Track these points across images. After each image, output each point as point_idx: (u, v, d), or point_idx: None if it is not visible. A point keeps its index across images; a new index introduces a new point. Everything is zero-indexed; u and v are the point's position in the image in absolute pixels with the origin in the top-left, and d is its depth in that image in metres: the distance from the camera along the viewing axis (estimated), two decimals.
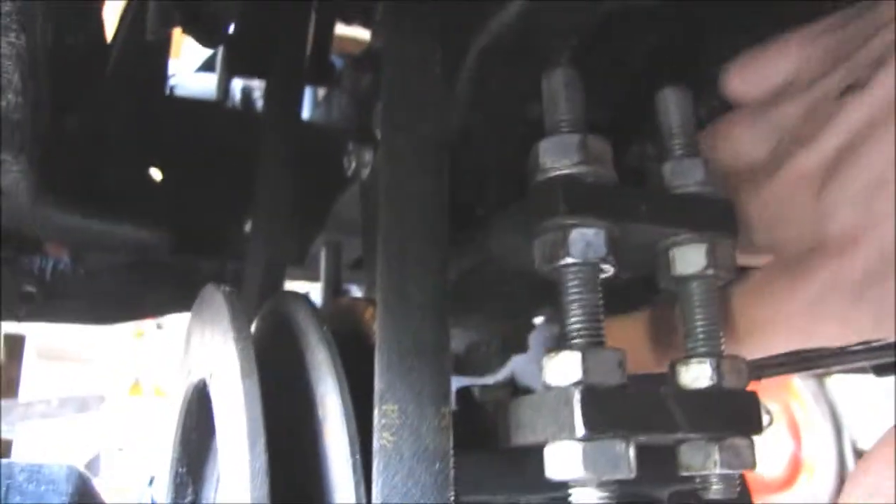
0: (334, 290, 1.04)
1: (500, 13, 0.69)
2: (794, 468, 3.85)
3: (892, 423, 0.56)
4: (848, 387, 3.65)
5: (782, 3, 0.81)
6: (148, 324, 5.04)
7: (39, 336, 5.19)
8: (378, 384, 0.53)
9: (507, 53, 0.75)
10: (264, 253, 1.01)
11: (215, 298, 0.67)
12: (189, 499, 0.86)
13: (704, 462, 0.57)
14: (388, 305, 0.55)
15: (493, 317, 0.84)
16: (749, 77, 0.68)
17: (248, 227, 1.25)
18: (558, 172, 0.57)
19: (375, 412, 0.53)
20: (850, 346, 0.71)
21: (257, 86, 1.57)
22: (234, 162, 1.25)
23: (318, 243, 1.19)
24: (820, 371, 1.29)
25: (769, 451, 3.75)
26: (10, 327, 5.01)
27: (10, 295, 1.07)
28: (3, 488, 0.62)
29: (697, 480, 0.60)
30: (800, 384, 3.71)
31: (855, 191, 0.56)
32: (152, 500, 1.78)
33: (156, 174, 1.21)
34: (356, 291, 1.46)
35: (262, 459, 0.51)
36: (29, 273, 1.09)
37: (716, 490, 0.59)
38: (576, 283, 0.56)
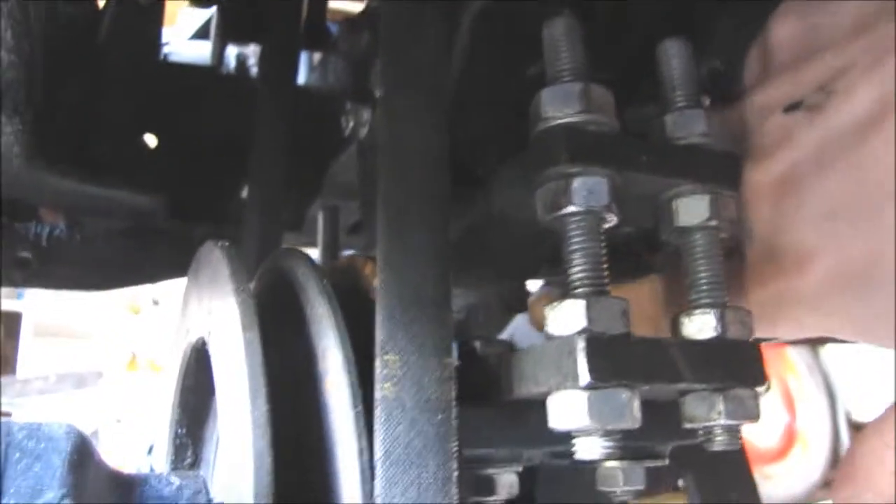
0: (332, 254, 1.04)
1: None
2: (789, 439, 3.87)
3: (888, 397, 0.57)
4: (842, 359, 3.66)
5: None
6: (144, 300, 5.04)
7: (36, 313, 5.19)
8: (379, 334, 0.53)
9: (504, 10, 0.74)
10: (260, 219, 1.01)
11: (213, 255, 0.66)
12: (189, 460, 0.85)
13: (708, 413, 0.57)
14: (389, 256, 0.55)
15: (492, 277, 0.83)
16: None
17: (244, 193, 1.24)
18: (560, 121, 0.57)
19: (377, 362, 0.52)
20: None
21: (252, 52, 1.55)
22: (229, 128, 1.24)
23: (315, 208, 1.18)
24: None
25: (764, 421, 3.76)
26: (8, 305, 5.01)
27: (7, 261, 1.06)
28: (3, 445, 0.61)
29: (701, 432, 0.60)
30: (795, 356, 3.72)
31: (811, 213, 0.57)
32: (151, 468, 1.78)
33: (150, 140, 1.20)
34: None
35: (264, 410, 0.50)
36: (24, 239, 1.08)
37: (720, 441, 0.58)
38: (578, 232, 0.55)
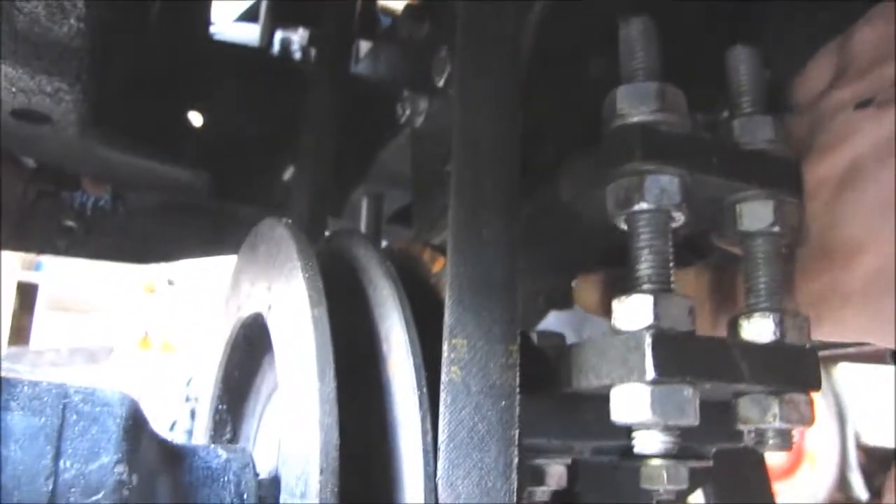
0: (374, 239, 1.04)
1: None
2: (797, 457, 3.86)
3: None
4: (854, 381, 3.65)
5: None
6: (159, 279, 5.06)
7: (52, 286, 5.21)
8: (448, 318, 0.53)
9: (573, 4, 0.74)
10: (308, 200, 1.01)
11: (275, 232, 0.67)
12: (227, 436, 0.86)
13: (763, 415, 0.57)
14: (460, 242, 0.55)
15: (542, 269, 0.84)
16: (798, 87, 0.69)
17: (286, 176, 1.25)
18: (635, 119, 0.57)
19: (445, 345, 0.53)
20: None
21: (297, 37, 1.56)
22: (274, 110, 1.25)
23: (356, 195, 1.19)
24: (840, 352, 1.28)
25: None
26: (25, 276, 5.04)
27: (51, 228, 1.08)
28: (61, 406, 0.62)
29: (752, 434, 0.60)
30: None
31: (866, 206, 0.58)
32: None
33: (196, 118, 1.21)
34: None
35: (332, 387, 0.51)
36: (69, 208, 1.10)
37: (772, 444, 0.59)
38: (648, 229, 0.55)
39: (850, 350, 1.09)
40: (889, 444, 3.65)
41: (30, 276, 5.13)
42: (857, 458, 3.76)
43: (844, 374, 3.68)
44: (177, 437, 1.93)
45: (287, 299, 0.59)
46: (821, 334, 0.62)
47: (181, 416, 1.92)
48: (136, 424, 0.64)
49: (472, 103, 0.60)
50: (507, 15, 0.65)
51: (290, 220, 0.65)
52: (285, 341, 0.58)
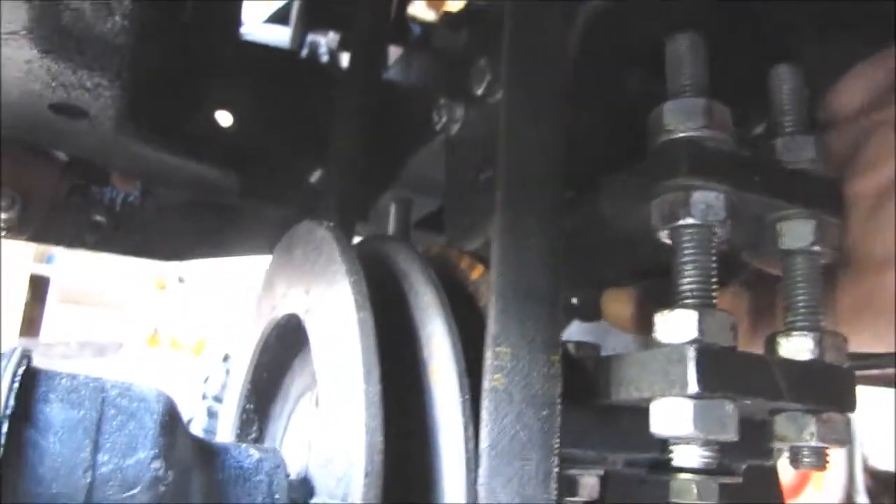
0: None
1: None
2: (803, 478, 3.85)
3: None
4: (863, 405, 3.64)
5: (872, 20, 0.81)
6: (170, 276, 5.08)
7: (63, 279, 5.23)
8: (492, 327, 0.54)
9: (616, 17, 0.74)
10: (336, 204, 1.02)
11: (315, 234, 0.67)
12: (253, 435, 0.86)
13: (800, 433, 0.57)
14: (506, 251, 0.55)
15: (577, 281, 0.84)
16: (833, 101, 0.69)
17: (312, 178, 1.25)
18: (682, 134, 0.57)
19: (488, 353, 0.53)
20: None
21: (325, 41, 1.57)
22: (302, 113, 1.26)
23: (382, 200, 1.19)
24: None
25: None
26: (37, 268, 5.06)
27: (81, 223, 1.08)
28: (99, 400, 0.62)
29: (787, 452, 0.60)
30: None
31: None
32: None
33: (226, 117, 1.22)
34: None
35: (378, 389, 0.51)
36: (99, 203, 1.10)
37: (807, 462, 0.59)
38: (692, 244, 0.56)
39: (865, 373, 1.09)
40: (894, 469, 3.64)
41: (42, 269, 5.16)
42: (864, 481, 3.74)
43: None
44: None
45: (329, 302, 0.60)
46: (857, 345, 0.63)
47: (198, 414, 1.93)
48: (171, 421, 0.64)
49: (519, 111, 0.60)
50: (553, 23, 0.65)
51: (331, 224, 0.65)
52: (327, 343, 0.59)
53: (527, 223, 0.56)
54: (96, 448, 0.60)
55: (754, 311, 0.68)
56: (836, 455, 3.71)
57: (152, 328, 5.04)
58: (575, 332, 1.20)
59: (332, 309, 0.59)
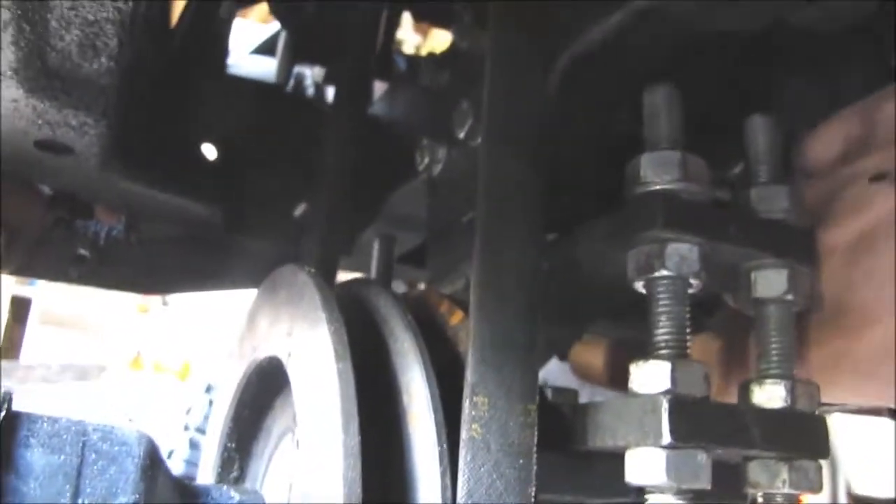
0: (386, 282, 1.05)
1: (599, 24, 0.71)
2: None
3: (888, 470, 0.60)
4: (846, 431, 3.66)
5: (852, 66, 0.83)
6: (154, 300, 5.05)
7: (45, 301, 5.20)
8: (470, 376, 0.54)
9: (596, 63, 0.76)
10: (320, 239, 1.02)
11: (297, 279, 0.68)
12: (235, 474, 0.87)
13: (772, 481, 0.58)
14: (484, 301, 0.56)
15: (549, 319, 0.85)
16: (811, 150, 0.71)
17: (296, 212, 1.26)
18: (658, 187, 0.59)
19: (466, 403, 0.54)
20: None
21: (310, 73, 1.58)
22: (287, 147, 1.27)
23: (366, 235, 1.20)
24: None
25: None
26: (19, 290, 5.02)
27: (65, 256, 1.08)
28: (80, 444, 0.63)
29: (760, 498, 0.61)
30: None
31: (876, 277, 0.60)
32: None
33: (210, 151, 1.23)
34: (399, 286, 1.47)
35: (357, 440, 0.52)
36: (83, 236, 1.11)
37: None
38: (667, 295, 0.57)
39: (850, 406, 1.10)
40: (879, 495, 3.65)
41: (24, 290, 5.12)
42: None
43: (837, 425, 3.68)
44: (175, 466, 1.93)
45: (310, 349, 0.60)
46: (832, 398, 0.64)
47: (180, 446, 1.92)
48: (153, 464, 0.64)
49: (498, 158, 0.61)
50: (533, 71, 0.67)
51: (313, 270, 0.66)
52: (308, 391, 0.59)
53: (505, 275, 0.57)
54: (77, 493, 0.60)
55: (728, 358, 0.69)
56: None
57: (135, 351, 5.00)
58: (556, 370, 1.21)
59: (314, 357, 0.59)
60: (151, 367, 4.92)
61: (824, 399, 0.64)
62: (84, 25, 0.73)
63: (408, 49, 3.14)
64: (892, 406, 0.62)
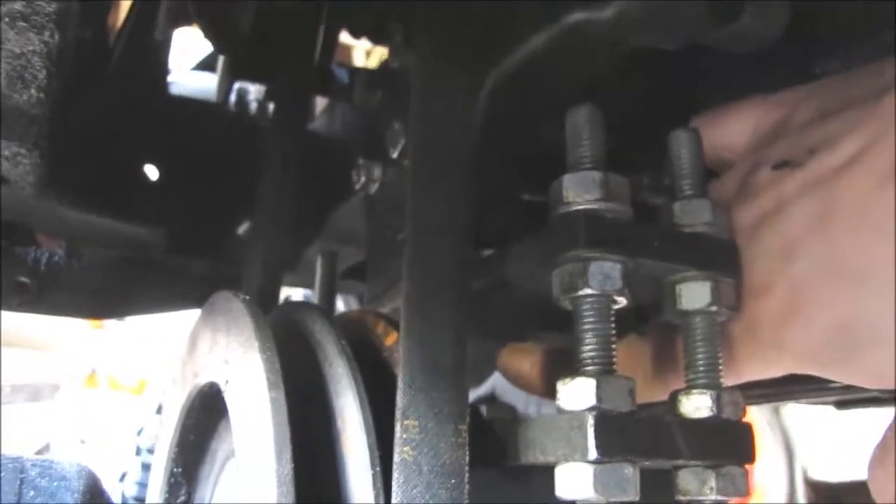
0: (329, 298, 1.06)
1: (525, 44, 0.72)
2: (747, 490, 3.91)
3: (842, 455, 0.62)
4: (801, 418, 3.73)
5: (779, 77, 0.85)
6: None
7: None
8: (401, 400, 0.55)
9: (522, 82, 0.77)
10: (263, 257, 1.03)
11: (232, 305, 0.69)
12: (182, 498, 0.87)
13: (701, 488, 0.60)
14: (412, 326, 0.57)
15: (489, 334, 0.86)
16: (707, 134, 0.73)
17: (240, 230, 1.26)
18: (580, 207, 0.60)
19: (397, 426, 0.55)
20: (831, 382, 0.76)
21: (252, 89, 1.58)
22: (229, 165, 1.27)
23: (310, 250, 1.21)
24: (787, 400, 1.34)
25: None
26: None
27: (5, 284, 1.07)
28: (17, 482, 0.63)
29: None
30: (755, 412, 3.79)
31: (770, 252, 0.63)
32: (123, 495, 1.78)
33: (152, 172, 1.22)
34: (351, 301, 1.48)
35: (289, 469, 0.53)
36: (23, 264, 1.10)
37: None
38: (591, 312, 0.58)
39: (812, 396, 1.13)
40: (833, 479, 3.73)
41: None
42: (805, 492, 3.83)
43: (792, 413, 3.75)
44: (127, 489, 1.92)
45: (244, 377, 0.61)
46: (745, 375, 0.66)
47: (132, 468, 1.90)
48: (93, 497, 0.65)
49: (424, 179, 0.63)
50: (460, 90, 0.68)
51: (247, 297, 0.67)
52: (244, 418, 0.60)
53: (433, 299, 0.58)
54: None
55: (660, 357, 0.71)
56: (778, 467, 3.79)
57: (90, 368, 4.94)
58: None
59: (247, 384, 0.60)
60: (106, 385, 4.86)
61: (739, 379, 0.66)
62: (11, 58, 0.73)
63: (359, 54, 3.14)
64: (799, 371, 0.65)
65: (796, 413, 3.74)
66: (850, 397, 1.12)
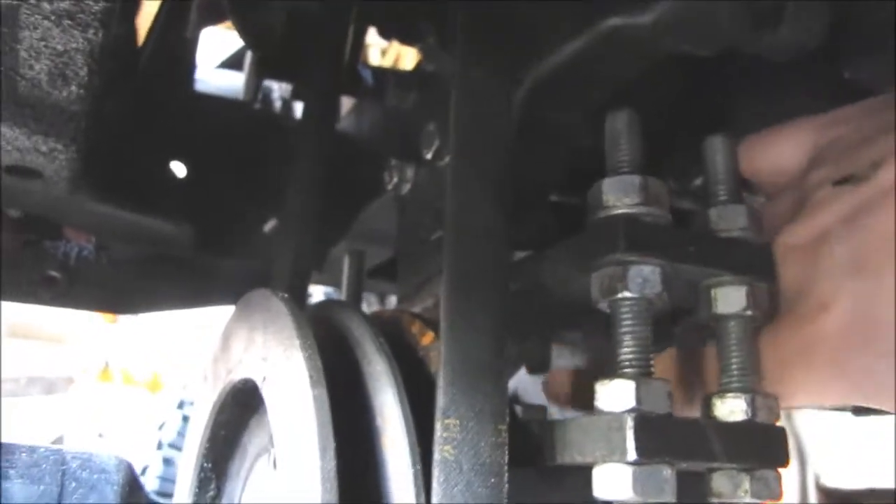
0: (356, 297, 1.07)
1: (563, 49, 0.73)
2: None
3: (854, 462, 0.62)
4: (815, 425, 3.73)
5: (808, 83, 0.86)
6: None
7: (12, 313, 5.14)
8: (441, 399, 0.56)
9: (560, 86, 0.78)
10: (292, 255, 1.03)
11: (271, 303, 0.69)
12: (211, 493, 0.88)
13: (735, 491, 0.61)
14: (453, 326, 0.58)
15: (520, 335, 0.87)
16: (757, 157, 0.73)
17: (266, 228, 1.27)
18: (620, 211, 0.61)
19: (437, 425, 0.56)
20: None
21: (277, 87, 1.59)
22: (256, 163, 1.28)
23: (337, 249, 1.21)
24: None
25: None
26: None
27: (34, 278, 1.09)
28: (59, 474, 0.64)
29: None
30: None
31: (832, 267, 0.62)
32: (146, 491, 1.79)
33: (179, 169, 1.23)
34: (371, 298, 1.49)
35: (333, 465, 0.53)
36: (52, 257, 1.11)
37: None
38: (630, 315, 0.59)
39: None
40: (846, 486, 3.73)
41: None
42: (817, 498, 3.82)
43: (805, 419, 3.75)
44: (149, 483, 1.93)
45: (286, 374, 0.62)
46: (791, 401, 0.66)
47: (153, 462, 1.92)
48: (132, 491, 0.66)
49: (465, 181, 0.63)
50: (499, 93, 0.68)
51: (286, 295, 0.67)
52: (285, 414, 0.61)
53: (474, 299, 0.59)
54: None
55: (689, 373, 0.72)
56: (790, 473, 3.79)
57: (103, 362, 4.96)
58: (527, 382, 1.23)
59: (289, 382, 0.61)
60: (120, 379, 4.88)
61: (784, 407, 0.66)
62: (54, 56, 0.74)
63: (374, 52, 3.15)
64: (854, 403, 0.64)
65: (808, 418, 3.73)
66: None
